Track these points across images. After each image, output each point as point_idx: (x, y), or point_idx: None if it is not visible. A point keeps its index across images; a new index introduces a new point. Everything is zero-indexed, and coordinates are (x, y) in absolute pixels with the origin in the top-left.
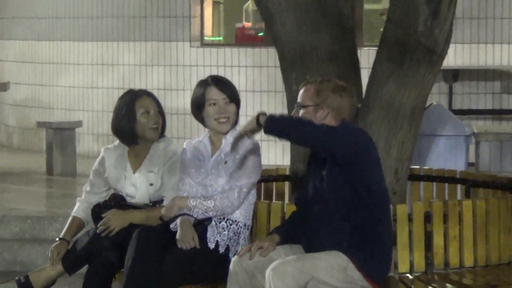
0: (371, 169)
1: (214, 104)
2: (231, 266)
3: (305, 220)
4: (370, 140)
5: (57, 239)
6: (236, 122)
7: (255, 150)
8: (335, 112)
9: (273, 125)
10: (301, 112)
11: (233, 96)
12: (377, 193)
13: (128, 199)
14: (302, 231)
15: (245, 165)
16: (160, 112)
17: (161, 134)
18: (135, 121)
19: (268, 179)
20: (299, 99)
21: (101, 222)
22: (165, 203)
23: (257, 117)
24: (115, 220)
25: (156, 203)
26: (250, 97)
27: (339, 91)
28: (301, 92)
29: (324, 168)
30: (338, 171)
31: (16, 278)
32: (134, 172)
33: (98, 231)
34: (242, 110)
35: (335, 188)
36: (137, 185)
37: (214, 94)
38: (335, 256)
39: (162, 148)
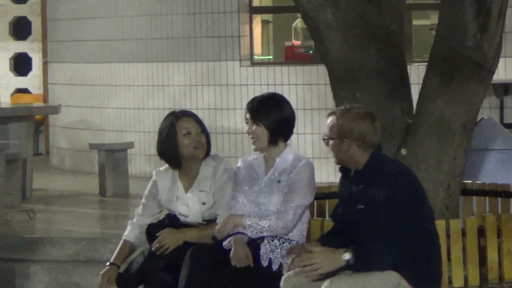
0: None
1: (247, 123)
2: (281, 283)
3: (344, 235)
4: (415, 187)
5: (107, 264)
6: (273, 142)
7: (310, 170)
8: (359, 142)
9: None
10: (330, 143)
11: (257, 118)
12: (422, 210)
13: (182, 219)
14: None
15: (300, 186)
16: (203, 131)
17: (207, 153)
18: (177, 143)
19: (321, 196)
20: (326, 130)
21: (156, 241)
22: (218, 221)
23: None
24: (169, 239)
25: (210, 221)
26: (301, 115)
27: (358, 120)
28: (327, 123)
29: (360, 195)
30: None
31: None
32: (186, 192)
33: (153, 249)
34: (294, 128)
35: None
36: (189, 205)
37: (246, 115)
38: (387, 273)
39: (212, 167)
